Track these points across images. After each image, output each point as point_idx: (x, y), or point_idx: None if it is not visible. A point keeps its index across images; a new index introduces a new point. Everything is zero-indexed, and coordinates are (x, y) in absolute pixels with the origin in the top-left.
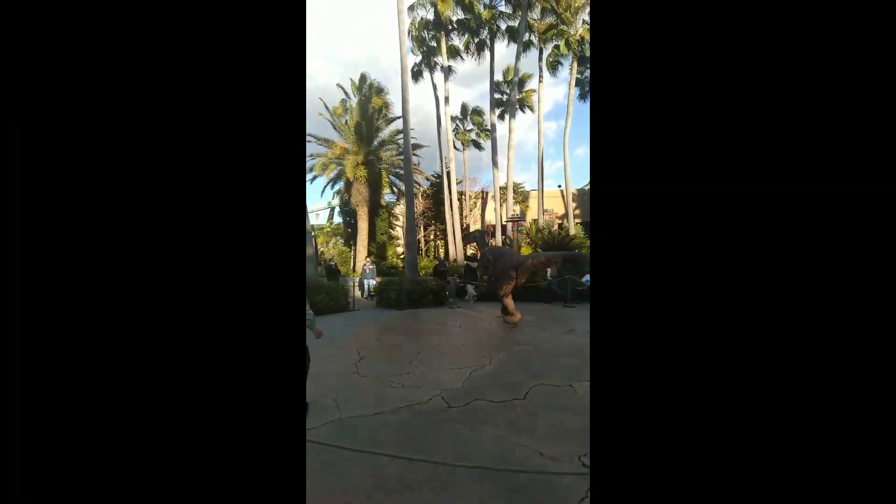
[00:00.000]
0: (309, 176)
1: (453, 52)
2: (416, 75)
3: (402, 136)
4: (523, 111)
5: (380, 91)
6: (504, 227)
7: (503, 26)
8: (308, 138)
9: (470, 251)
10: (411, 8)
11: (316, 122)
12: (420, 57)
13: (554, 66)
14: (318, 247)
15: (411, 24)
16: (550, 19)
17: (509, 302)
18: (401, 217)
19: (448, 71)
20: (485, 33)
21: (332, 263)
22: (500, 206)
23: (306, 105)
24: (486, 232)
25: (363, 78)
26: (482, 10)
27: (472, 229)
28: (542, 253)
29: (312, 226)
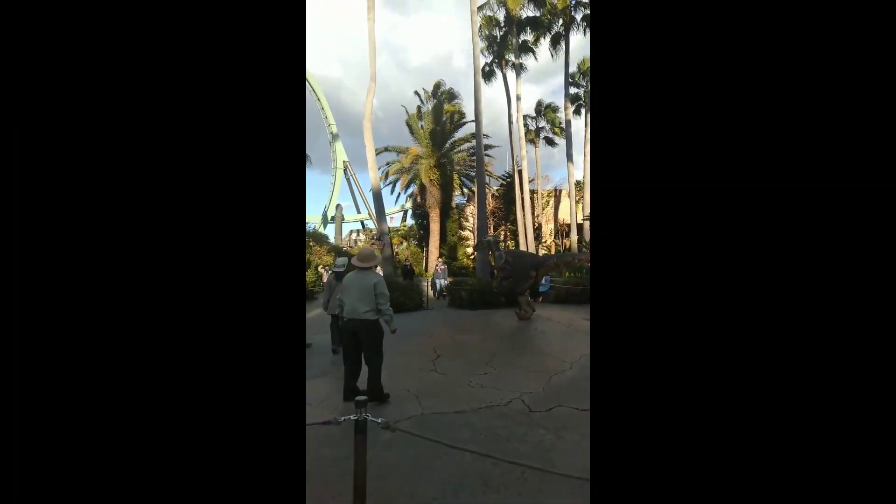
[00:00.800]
0: (385, 181)
1: (525, 49)
2: (487, 75)
3: (473, 137)
4: None
5: (452, 97)
6: (580, 226)
7: (578, 17)
8: (386, 146)
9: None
10: (480, 8)
11: (398, 130)
12: (491, 56)
13: None
14: (394, 248)
15: (481, 22)
16: None
17: (523, 300)
18: (471, 218)
19: (519, 68)
20: (558, 26)
21: (407, 264)
22: (576, 203)
23: (378, 114)
24: (497, 238)
25: (437, 85)
26: (556, 1)
27: (543, 229)
28: (568, 253)
29: (389, 228)
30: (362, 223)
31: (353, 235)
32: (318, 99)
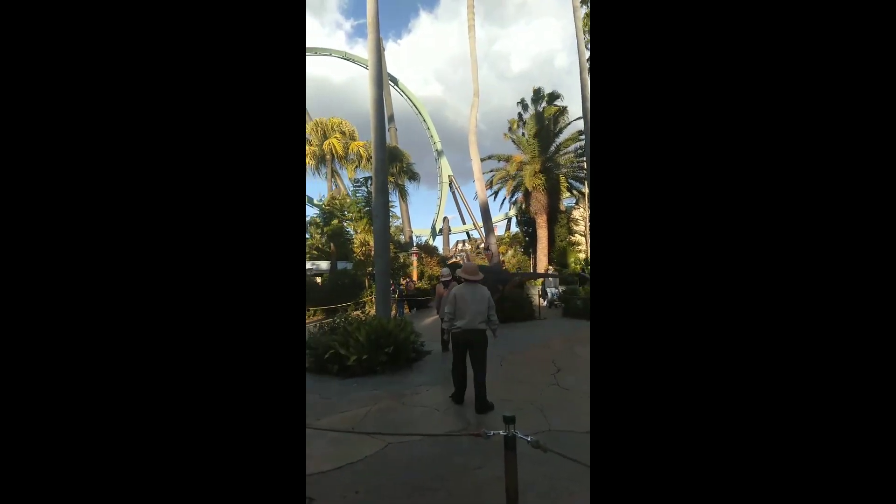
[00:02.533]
0: (489, 190)
1: None
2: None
3: (581, 136)
4: None
5: (554, 98)
6: None
7: None
8: (489, 155)
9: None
10: (583, 1)
11: (501, 140)
12: None
13: None
14: (501, 257)
15: (585, 16)
16: None
17: None
18: (581, 221)
19: None
20: None
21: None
22: None
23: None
24: (463, 256)
25: (538, 91)
26: None
27: None
28: (530, 273)
29: (498, 236)
30: (468, 234)
31: (460, 246)
32: (424, 119)
